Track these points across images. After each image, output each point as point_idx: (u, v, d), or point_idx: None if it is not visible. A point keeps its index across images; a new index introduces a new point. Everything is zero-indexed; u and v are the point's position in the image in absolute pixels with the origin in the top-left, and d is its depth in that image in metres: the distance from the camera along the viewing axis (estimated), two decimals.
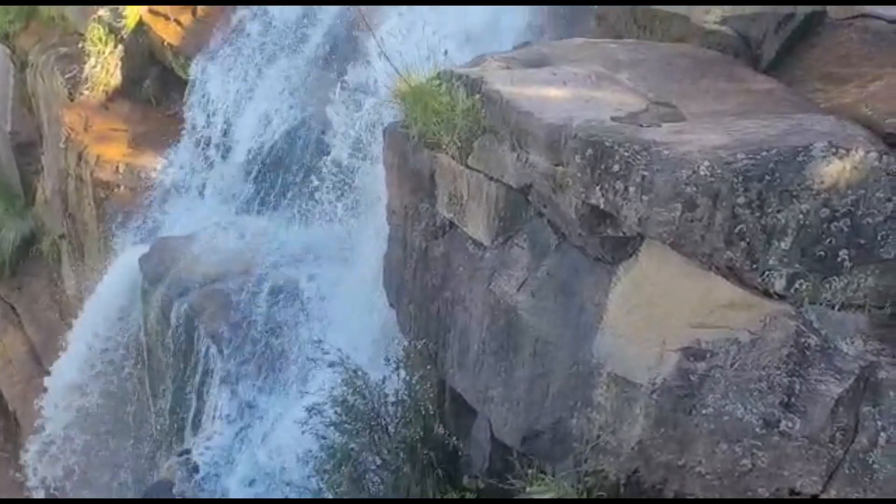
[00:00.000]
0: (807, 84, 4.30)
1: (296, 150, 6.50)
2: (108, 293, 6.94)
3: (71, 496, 7.33)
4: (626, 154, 3.42)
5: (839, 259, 3.12)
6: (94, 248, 8.15)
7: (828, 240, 3.11)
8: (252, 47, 7.27)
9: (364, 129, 5.71)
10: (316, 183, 6.08)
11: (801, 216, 3.11)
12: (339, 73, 6.54)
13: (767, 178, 3.13)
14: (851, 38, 4.36)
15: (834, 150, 3.09)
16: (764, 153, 3.16)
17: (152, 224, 7.32)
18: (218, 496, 5.31)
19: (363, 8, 6.58)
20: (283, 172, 6.57)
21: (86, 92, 8.65)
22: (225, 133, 7.07)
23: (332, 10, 6.96)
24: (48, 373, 7.63)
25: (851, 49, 4.32)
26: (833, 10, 4.63)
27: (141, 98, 8.63)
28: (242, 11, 7.58)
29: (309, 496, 4.82)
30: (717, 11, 4.72)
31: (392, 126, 4.63)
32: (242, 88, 7.11)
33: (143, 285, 6.46)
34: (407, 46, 5.94)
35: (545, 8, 5.94)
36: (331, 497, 4.61)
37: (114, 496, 7.02)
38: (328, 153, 6.03)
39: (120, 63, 8.59)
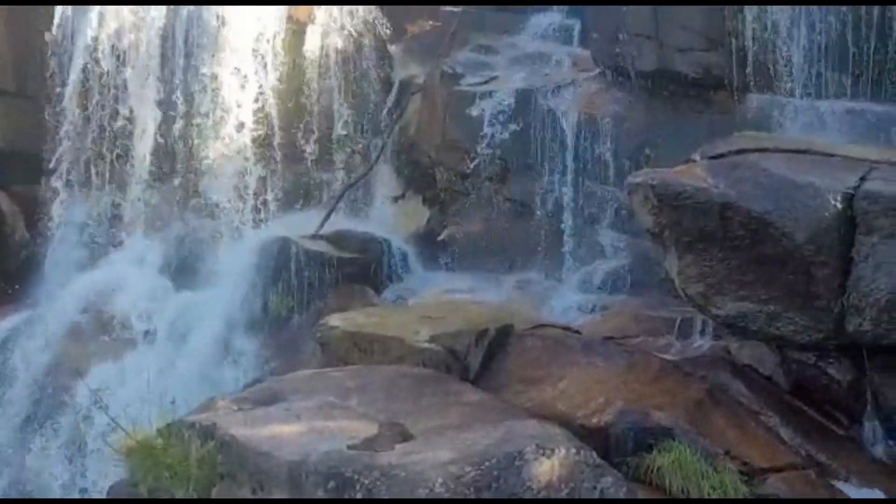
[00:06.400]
0: (510, 387, 4.92)
1: None
2: None
3: None
4: (366, 482, 3.56)
5: None
6: None
7: None
8: None
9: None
10: None
11: None
12: (44, 429, 6.07)
13: (494, 485, 3.43)
14: (537, 345, 5.16)
15: (542, 451, 3.53)
16: (487, 463, 3.50)
17: None
18: None
19: (74, 352, 6.40)
20: None
21: None
22: None
23: (32, 362, 6.58)
24: None
25: (539, 354, 5.09)
26: (518, 322, 5.50)
27: None
28: None
29: None
30: (425, 332, 5.34)
31: (117, 486, 4.35)
32: None
33: None
34: (128, 394, 5.80)
35: (270, 339, 6.26)
36: None
37: None
38: None
39: None
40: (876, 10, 5.26)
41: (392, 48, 7.96)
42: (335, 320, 5.58)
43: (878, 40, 5.27)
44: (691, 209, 4.42)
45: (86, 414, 5.90)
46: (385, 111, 7.67)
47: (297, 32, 7.55)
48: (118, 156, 7.56)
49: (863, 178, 4.16)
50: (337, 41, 7.62)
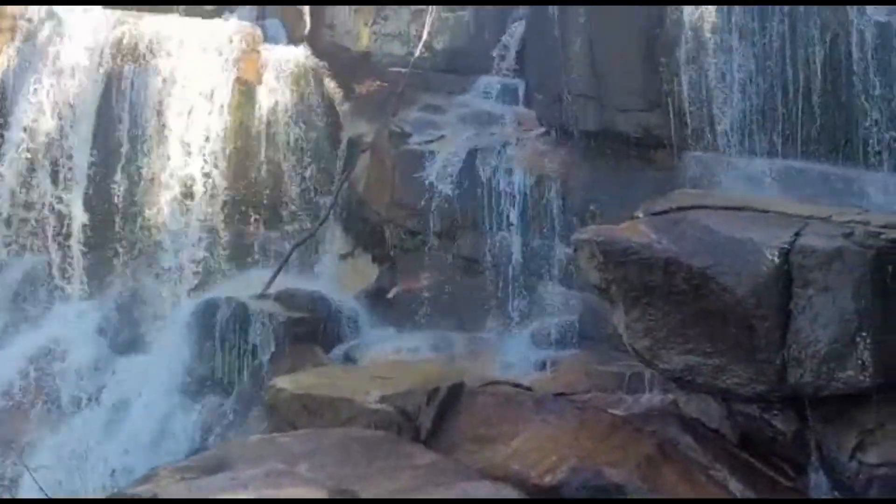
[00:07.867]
0: (463, 447, 4.87)
1: None
2: None
3: None
4: None
5: None
6: None
7: None
8: None
9: None
10: None
11: None
12: None
13: None
14: (489, 403, 5.14)
15: None
16: None
17: None
18: None
19: (8, 420, 6.13)
20: None
21: None
22: None
23: None
24: None
25: (491, 412, 5.07)
26: (469, 380, 5.47)
27: None
28: None
29: None
30: (375, 392, 5.27)
31: None
32: None
33: None
34: (64, 465, 5.55)
35: (216, 404, 6.09)
36: None
37: None
38: None
39: None
40: (802, 74, 5.55)
41: (340, 107, 8.04)
42: (283, 382, 5.48)
43: (804, 102, 5.54)
44: (636, 265, 4.51)
45: (19, 486, 5.62)
46: (334, 170, 7.70)
47: (244, 93, 7.58)
48: (58, 216, 7.40)
49: (797, 234, 4.31)
50: (285, 101, 7.66)
